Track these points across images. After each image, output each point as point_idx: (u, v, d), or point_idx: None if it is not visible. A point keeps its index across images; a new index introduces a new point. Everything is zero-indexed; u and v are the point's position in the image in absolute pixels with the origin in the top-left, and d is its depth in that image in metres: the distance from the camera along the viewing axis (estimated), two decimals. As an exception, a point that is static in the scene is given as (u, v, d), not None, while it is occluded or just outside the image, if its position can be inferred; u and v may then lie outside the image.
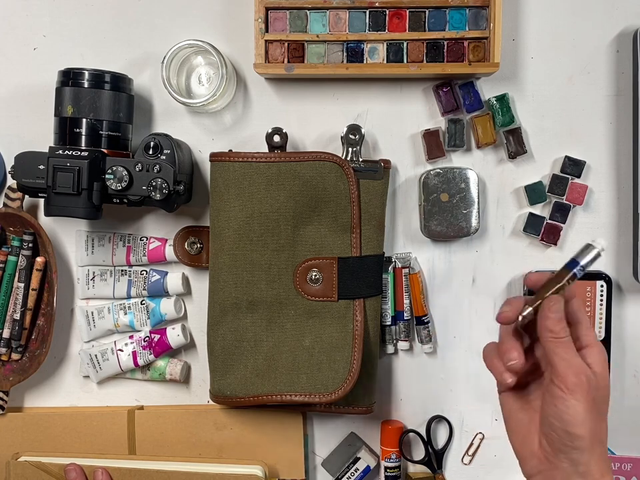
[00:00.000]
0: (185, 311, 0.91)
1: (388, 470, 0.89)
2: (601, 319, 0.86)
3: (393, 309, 0.88)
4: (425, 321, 0.88)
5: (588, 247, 0.69)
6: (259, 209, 0.82)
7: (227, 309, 0.84)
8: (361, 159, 0.85)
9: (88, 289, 0.90)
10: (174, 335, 0.88)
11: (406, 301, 0.88)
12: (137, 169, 0.80)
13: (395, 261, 0.88)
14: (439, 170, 0.87)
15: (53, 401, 0.92)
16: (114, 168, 0.80)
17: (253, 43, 0.85)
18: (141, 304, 0.89)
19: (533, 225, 0.88)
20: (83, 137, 0.81)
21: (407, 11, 0.84)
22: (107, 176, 0.80)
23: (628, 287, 0.89)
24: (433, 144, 0.87)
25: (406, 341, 0.89)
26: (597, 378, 0.65)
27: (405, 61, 0.85)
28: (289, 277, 0.84)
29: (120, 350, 0.89)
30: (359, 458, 0.90)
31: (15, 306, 0.88)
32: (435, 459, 0.91)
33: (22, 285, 0.87)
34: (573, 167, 0.87)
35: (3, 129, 0.90)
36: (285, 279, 0.84)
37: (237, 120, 0.89)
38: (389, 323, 0.88)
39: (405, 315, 0.88)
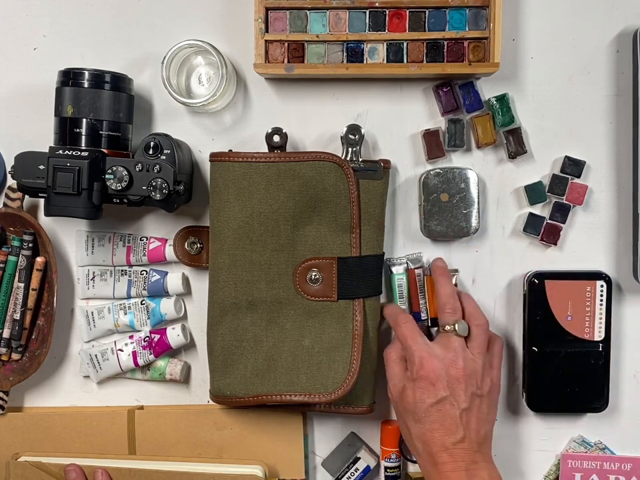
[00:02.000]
0: (185, 310, 0.91)
1: (388, 470, 0.89)
2: (600, 319, 0.86)
3: (410, 311, 0.88)
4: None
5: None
6: (259, 209, 0.82)
7: (227, 309, 0.84)
8: (360, 159, 0.85)
9: (88, 288, 0.90)
10: (174, 335, 0.88)
11: (421, 302, 0.88)
12: (137, 169, 0.80)
13: (407, 262, 0.88)
14: (438, 170, 0.87)
15: (53, 401, 0.92)
16: (114, 168, 0.80)
17: (253, 42, 0.85)
18: (141, 304, 0.89)
19: (533, 225, 0.88)
20: (83, 137, 0.81)
21: (407, 11, 0.84)
22: (106, 176, 0.80)
23: (628, 286, 0.89)
24: (433, 144, 0.87)
25: None
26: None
27: (405, 61, 0.85)
28: (289, 277, 0.84)
29: (120, 350, 0.89)
30: (359, 458, 0.90)
31: (15, 306, 0.88)
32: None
33: (22, 285, 0.87)
34: (573, 167, 0.87)
35: (3, 129, 0.90)
36: (285, 279, 0.84)
37: (237, 120, 0.89)
38: None
39: (422, 315, 0.88)
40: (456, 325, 0.82)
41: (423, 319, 0.88)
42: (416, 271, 0.88)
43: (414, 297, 0.88)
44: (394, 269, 0.88)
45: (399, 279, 0.87)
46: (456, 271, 0.89)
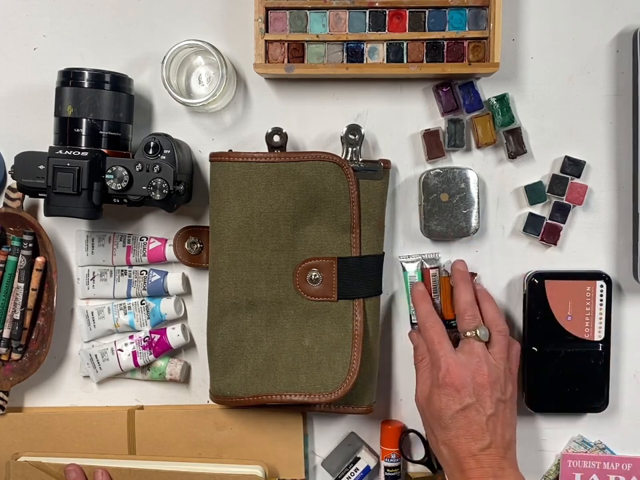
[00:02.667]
0: (185, 311, 0.91)
1: (388, 470, 0.89)
2: (600, 319, 0.86)
3: None
4: (453, 324, 0.87)
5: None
6: (259, 208, 0.82)
7: (227, 309, 0.84)
8: (360, 159, 0.85)
9: (88, 289, 0.90)
10: (174, 335, 0.88)
11: (436, 302, 0.87)
12: (137, 169, 0.80)
13: (422, 261, 0.88)
14: (439, 170, 0.87)
15: (53, 401, 0.92)
16: (114, 168, 0.80)
17: (253, 43, 0.85)
18: (141, 304, 0.89)
19: (532, 225, 0.88)
20: (83, 137, 0.81)
21: (407, 11, 0.84)
22: (107, 176, 0.80)
23: (628, 286, 0.89)
24: (433, 144, 0.87)
25: None
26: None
27: (405, 60, 0.85)
28: (289, 276, 0.84)
29: (120, 350, 0.89)
30: (359, 458, 0.90)
31: (15, 306, 0.88)
32: (435, 459, 0.90)
33: (22, 284, 0.87)
34: (573, 167, 0.87)
35: (3, 129, 0.90)
36: (285, 279, 0.84)
37: (237, 120, 0.89)
38: (415, 321, 0.87)
39: None
40: (477, 331, 0.82)
41: None
42: (431, 271, 0.88)
43: None
44: (407, 267, 0.88)
45: (411, 277, 0.87)
46: (474, 274, 0.88)
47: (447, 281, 0.87)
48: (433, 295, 0.87)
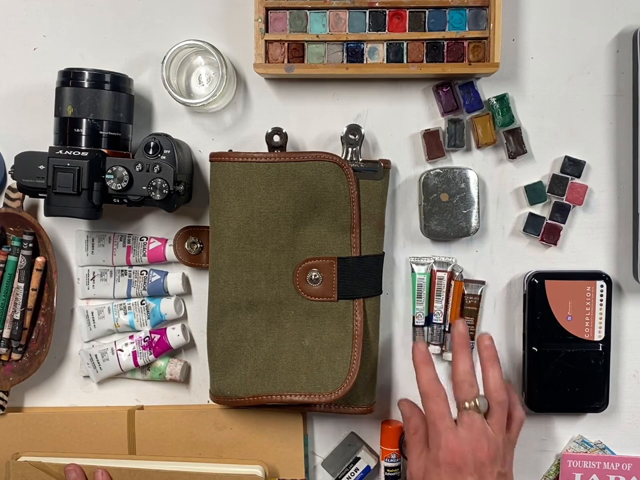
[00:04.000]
0: (185, 310, 0.91)
1: (388, 470, 0.89)
2: (600, 319, 0.86)
3: (427, 310, 0.88)
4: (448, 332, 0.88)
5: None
6: (259, 209, 0.82)
7: (227, 309, 0.84)
8: (360, 159, 0.85)
9: (88, 289, 0.90)
10: (174, 335, 0.88)
11: (437, 305, 0.87)
12: (137, 169, 0.80)
13: (431, 263, 0.88)
14: (439, 170, 0.87)
15: (52, 401, 0.92)
16: (114, 168, 0.80)
17: (253, 43, 0.85)
18: (141, 304, 0.89)
19: (532, 225, 0.88)
20: (83, 137, 0.81)
21: (407, 11, 0.85)
22: (107, 176, 0.80)
23: (628, 286, 0.89)
24: (433, 144, 0.87)
25: (436, 345, 0.89)
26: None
27: (405, 61, 0.85)
28: (289, 276, 0.84)
29: (120, 350, 0.89)
30: (359, 458, 0.90)
31: (15, 306, 0.88)
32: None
33: (22, 285, 0.87)
34: (573, 167, 0.87)
35: (3, 129, 0.90)
36: (285, 279, 0.84)
37: (237, 120, 0.89)
38: (421, 324, 0.88)
39: (434, 318, 0.88)
40: (477, 401, 0.78)
41: (434, 321, 0.88)
42: (438, 274, 0.88)
43: (431, 298, 0.88)
44: (416, 268, 0.88)
45: (420, 279, 0.87)
46: (482, 283, 0.88)
47: (461, 286, 0.87)
48: (436, 297, 0.88)
